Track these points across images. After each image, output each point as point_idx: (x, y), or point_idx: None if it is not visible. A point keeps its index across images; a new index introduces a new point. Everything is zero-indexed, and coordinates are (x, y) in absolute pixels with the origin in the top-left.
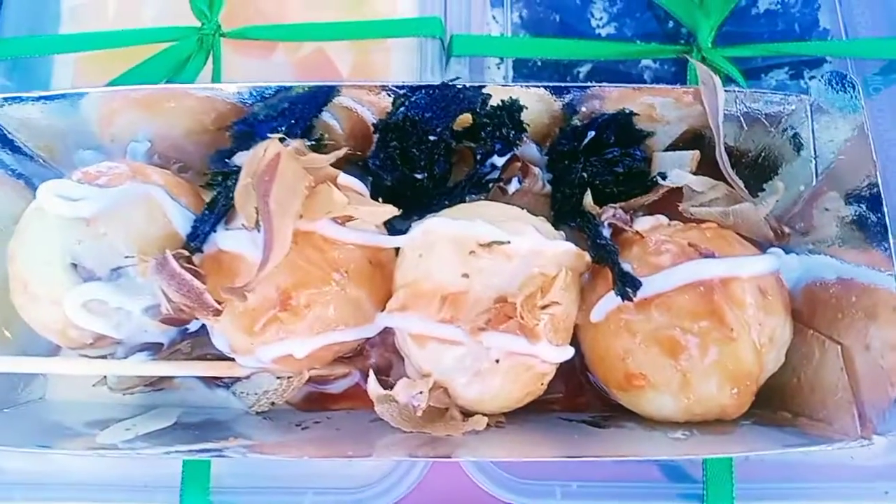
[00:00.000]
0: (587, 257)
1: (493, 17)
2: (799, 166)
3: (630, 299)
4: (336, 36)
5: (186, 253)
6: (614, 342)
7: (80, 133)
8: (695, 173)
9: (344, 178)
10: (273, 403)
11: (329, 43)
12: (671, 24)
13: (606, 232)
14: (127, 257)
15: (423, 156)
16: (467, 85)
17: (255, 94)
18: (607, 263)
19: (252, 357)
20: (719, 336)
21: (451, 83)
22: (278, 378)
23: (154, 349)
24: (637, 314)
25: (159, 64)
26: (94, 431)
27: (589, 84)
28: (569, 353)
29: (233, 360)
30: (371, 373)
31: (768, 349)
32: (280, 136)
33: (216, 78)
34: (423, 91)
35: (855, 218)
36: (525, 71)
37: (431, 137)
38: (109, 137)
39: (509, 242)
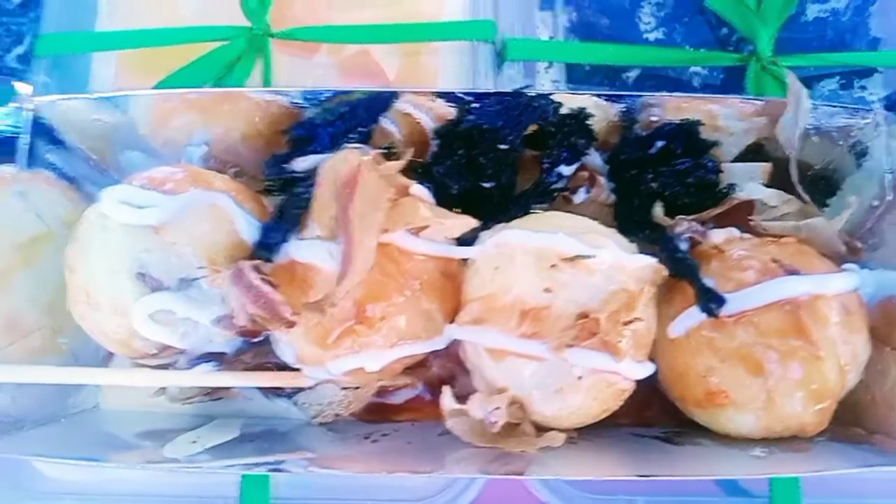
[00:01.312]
0: (664, 271)
1: (542, 21)
2: (864, 180)
3: (715, 316)
4: (386, 39)
5: (261, 263)
6: (695, 359)
7: (127, 134)
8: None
9: (415, 188)
10: (338, 415)
11: (372, 45)
12: (723, 30)
13: (684, 245)
14: (199, 268)
15: (492, 165)
16: (538, 93)
17: (310, 97)
18: (687, 278)
19: (322, 369)
20: (806, 355)
21: (522, 91)
22: (343, 389)
23: (218, 359)
24: (720, 331)
25: (208, 64)
26: (148, 443)
27: (661, 94)
28: (650, 368)
29: (296, 370)
30: (446, 388)
31: (851, 367)
32: (358, 146)
33: (266, 80)
34: (494, 99)
35: None
36: (574, 75)
37: (502, 146)
38: (163, 140)
39: (593, 256)
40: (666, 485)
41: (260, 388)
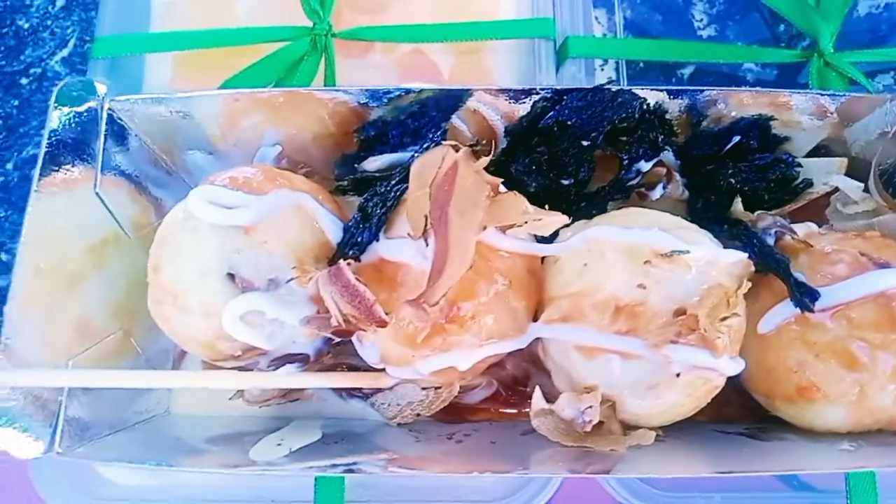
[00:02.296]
0: (752, 267)
1: (596, 18)
2: None
3: (811, 310)
4: (444, 37)
5: (355, 263)
6: (786, 354)
7: (192, 135)
8: None
9: (503, 186)
10: (418, 415)
11: (426, 44)
12: (779, 27)
13: (770, 240)
14: (293, 268)
15: (573, 161)
16: (621, 88)
17: (377, 96)
18: (778, 273)
19: (410, 368)
20: None
21: (605, 87)
22: (424, 389)
23: (300, 360)
24: (812, 326)
25: (272, 65)
26: (217, 447)
27: (730, 88)
28: (742, 364)
29: (376, 370)
30: (537, 388)
31: None
32: (453, 143)
33: (330, 80)
34: (576, 94)
35: None
36: (629, 72)
37: (584, 142)
38: (233, 141)
39: (689, 252)
40: (743, 481)
41: (335, 390)
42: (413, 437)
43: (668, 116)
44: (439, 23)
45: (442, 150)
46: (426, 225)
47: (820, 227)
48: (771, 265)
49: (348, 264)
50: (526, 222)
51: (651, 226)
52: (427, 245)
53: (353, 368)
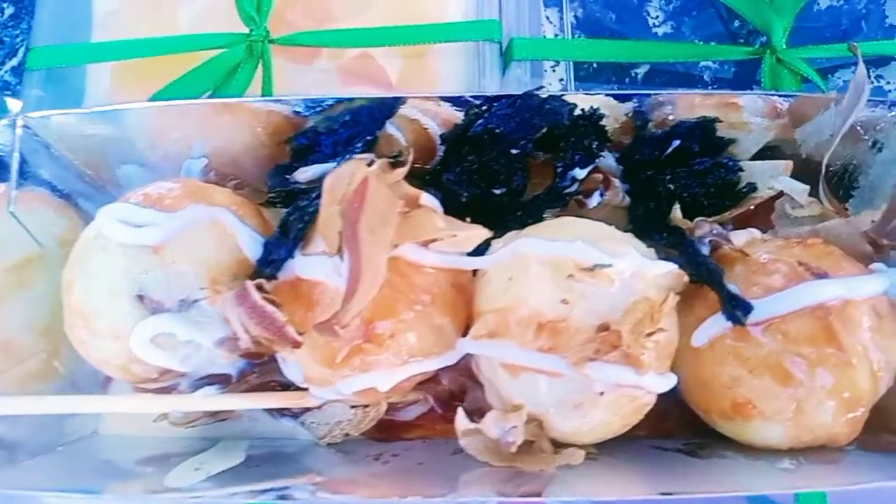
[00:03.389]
0: (685, 277)
1: (547, 18)
2: (886, 175)
3: (742, 324)
4: (387, 41)
5: (264, 282)
6: (720, 369)
7: (123, 148)
8: None
9: (424, 198)
10: (347, 434)
11: (374, 48)
12: (734, 22)
13: (705, 249)
14: (201, 289)
15: (503, 170)
16: (550, 94)
17: (312, 105)
18: (711, 284)
19: (331, 389)
20: (837, 362)
21: (534, 93)
22: (353, 408)
23: (221, 381)
24: (746, 339)
25: (206, 73)
26: (150, 469)
27: (679, 91)
28: (673, 380)
29: (303, 389)
30: (460, 408)
31: (885, 373)
32: (367, 156)
33: (267, 88)
34: (505, 102)
35: None
36: (581, 73)
37: (513, 151)
38: (162, 153)
39: (611, 265)
40: (687, 501)
41: (266, 409)
42: (342, 457)
43: (604, 122)
44: (381, 26)
45: (352, 164)
46: (340, 242)
47: (765, 232)
48: (704, 276)
49: (259, 285)
50: (441, 238)
51: (577, 237)
52: (342, 262)
53: (285, 386)
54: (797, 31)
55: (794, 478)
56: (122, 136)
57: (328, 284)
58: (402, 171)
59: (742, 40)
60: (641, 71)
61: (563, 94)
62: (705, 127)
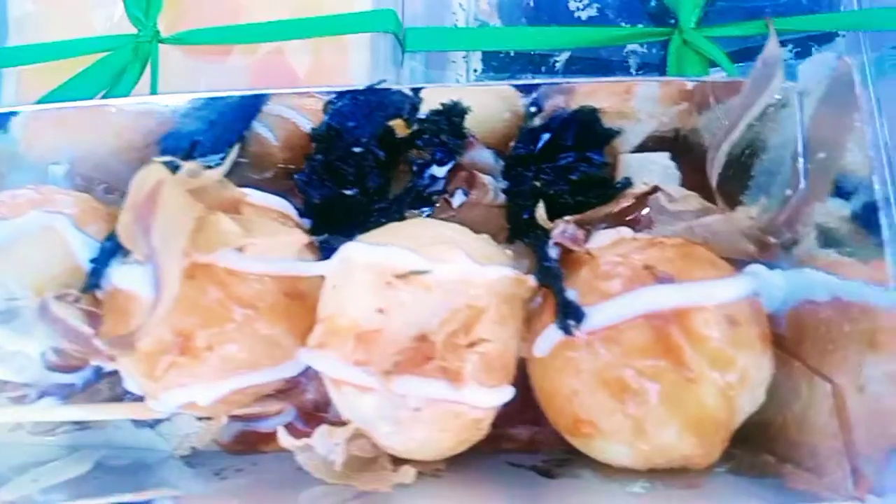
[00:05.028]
0: (530, 282)
1: (461, 5)
2: (782, 166)
3: (570, 333)
4: (283, 35)
5: (74, 293)
6: (560, 381)
7: (10, 156)
8: None
9: (261, 198)
10: (193, 448)
11: (288, 43)
12: (650, 2)
13: (554, 251)
14: (9, 300)
15: (352, 169)
16: (398, 88)
17: (187, 105)
18: (552, 289)
19: (159, 402)
20: (676, 378)
21: (377, 87)
22: (199, 420)
23: (68, 391)
24: (583, 350)
25: (94, 76)
26: (21, 478)
27: (553, 80)
28: (506, 395)
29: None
30: (280, 428)
31: (739, 390)
32: (168, 159)
33: (154, 89)
34: (348, 97)
35: (850, 223)
36: (495, 63)
37: (356, 149)
38: (35, 159)
39: (429, 271)
40: None
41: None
42: (190, 471)
43: (466, 117)
44: (273, 20)
45: (150, 168)
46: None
47: (638, 231)
48: (547, 280)
49: (64, 295)
50: (234, 246)
51: (395, 243)
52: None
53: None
54: (731, 9)
55: (642, 503)
56: (7, 142)
57: (139, 295)
58: (215, 173)
59: (673, 20)
60: (562, 59)
61: (417, 88)
62: (582, 118)
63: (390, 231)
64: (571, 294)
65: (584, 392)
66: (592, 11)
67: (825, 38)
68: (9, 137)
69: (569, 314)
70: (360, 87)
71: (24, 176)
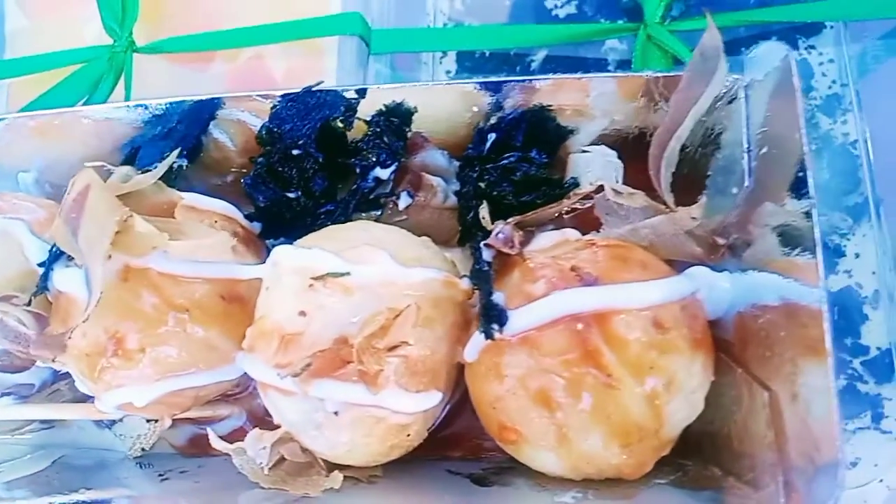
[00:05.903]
0: (461, 285)
1: (436, 7)
2: (736, 164)
3: (491, 337)
4: (253, 41)
5: (21, 296)
6: (486, 387)
7: None
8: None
9: (202, 202)
10: (143, 449)
11: (267, 49)
12: None
13: (487, 253)
14: None
15: (294, 171)
16: (334, 89)
17: (148, 112)
18: (481, 291)
19: (101, 402)
20: (595, 383)
21: (313, 89)
22: (148, 421)
23: (26, 390)
24: (505, 355)
25: (70, 87)
26: None
27: (512, 78)
28: (431, 400)
29: None
30: (210, 429)
31: (667, 397)
32: (99, 163)
33: (128, 98)
34: (285, 99)
35: (790, 221)
36: (469, 64)
37: (295, 151)
38: (8, 168)
39: (348, 273)
40: None
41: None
42: (140, 472)
43: (412, 118)
44: (245, 27)
45: (83, 170)
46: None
47: (584, 233)
48: (476, 282)
49: (8, 298)
50: (151, 249)
51: (318, 245)
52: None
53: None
54: (713, 2)
55: None
56: None
57: (77, 297)
58: (146, 177)
59: None
60: (538, 58)
61: (362, 89)
62: (532, 118)
63: (324, 234)
64: (499, 297)
65: (507, 398)
66: (571, 9)
67: (813, 29)
68: None
69: (491, 318)
70: (297, 90)
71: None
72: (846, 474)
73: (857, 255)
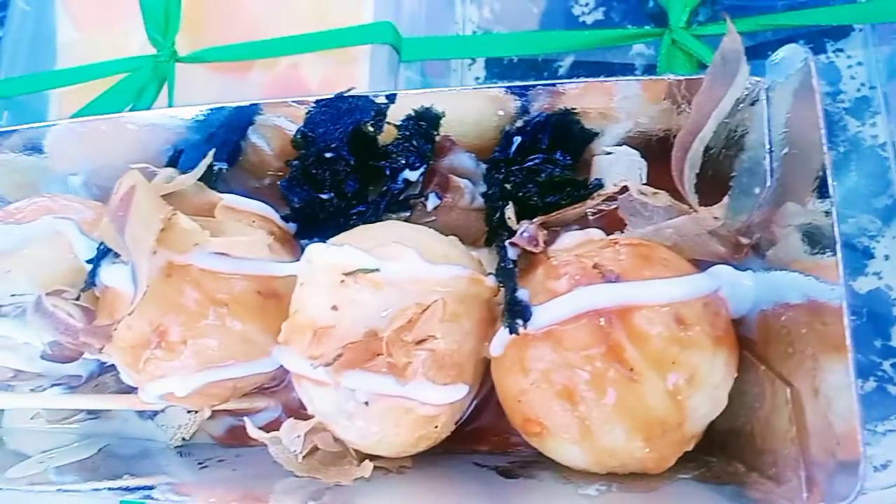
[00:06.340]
0: (487, 282)
1: (465, 16)
2: (754, 165)
3: (515, 331)
4: (287, 50)
5: (72, 290)
6: (511, 381)
7: (40, 169)
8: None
9: (240, 202)
10: (184, 439)
11: (303, 58)
12: (649, 2)
13: (512, 252)
14: (13, 296)
15: (327, 174)
16: (366, 94)
17: (190, 118)
18: (506, 288)
19: (144, 392)
20: (617, 377)
21: (345, 94)
22: (188, 412)
23: (75, 381)
24: (531, 349)
25: (116, 96)
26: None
27: (538, 83)
28: (458, 392)
29: None
30: (247, 418)
31: (689, 392)
32: (143, 165)
33: (171, 105)
34: (319, 104)
35: (813, 220)
36: (497, 70)
37: (328, 154)
38: (59, 172)
39: (378, 270)
40: None
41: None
42: (181, 461)
43: (440, 122)
44: (280, 37)
45: (129, 172)
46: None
47: (609, 234)
48: (502, 279)
49: (60, 292)
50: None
51: (350, 242)
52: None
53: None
54: (738, 7)
55: None
56: (42, 157)
57: (122, 292)
58: (186, 178)
59: None
60: (566, 64)
61: (392, 94)
62: (557, 121)
63: (355, 233)
64: (523, 293)
65: (531, 391)
66: (599, 15)
67: (841, 33)
68: (41, 154)
69: (516, 313)
70: (329, 96)
71: (52, 187)
72: (877, 476)
73: (887, 258)
